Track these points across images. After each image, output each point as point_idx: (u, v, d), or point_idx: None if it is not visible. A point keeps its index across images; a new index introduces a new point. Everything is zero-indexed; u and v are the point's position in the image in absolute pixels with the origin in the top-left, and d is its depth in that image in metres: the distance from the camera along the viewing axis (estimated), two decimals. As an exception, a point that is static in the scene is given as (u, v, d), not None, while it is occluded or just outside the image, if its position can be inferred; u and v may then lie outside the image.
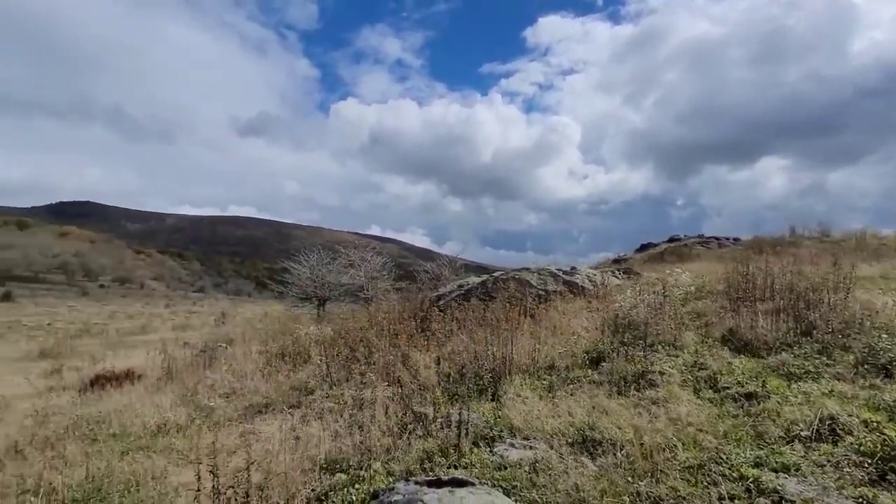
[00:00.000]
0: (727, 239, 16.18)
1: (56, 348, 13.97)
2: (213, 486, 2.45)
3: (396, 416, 3.73)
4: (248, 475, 2.57)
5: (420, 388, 4.27)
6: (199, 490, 2.47)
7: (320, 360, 6.09)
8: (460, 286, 7.35)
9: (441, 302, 7.53)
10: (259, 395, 5.09)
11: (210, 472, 2.47)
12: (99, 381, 6.99)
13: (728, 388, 3.76)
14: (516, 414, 3.53)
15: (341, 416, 3.99)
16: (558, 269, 7.71)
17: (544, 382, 4.17)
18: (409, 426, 3.63)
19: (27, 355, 13.58)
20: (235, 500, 2.53)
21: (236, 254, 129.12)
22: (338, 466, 3.25)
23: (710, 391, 3.78)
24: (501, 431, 3.39)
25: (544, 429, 3.29)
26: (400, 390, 4.07)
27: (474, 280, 7.77)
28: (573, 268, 8.02)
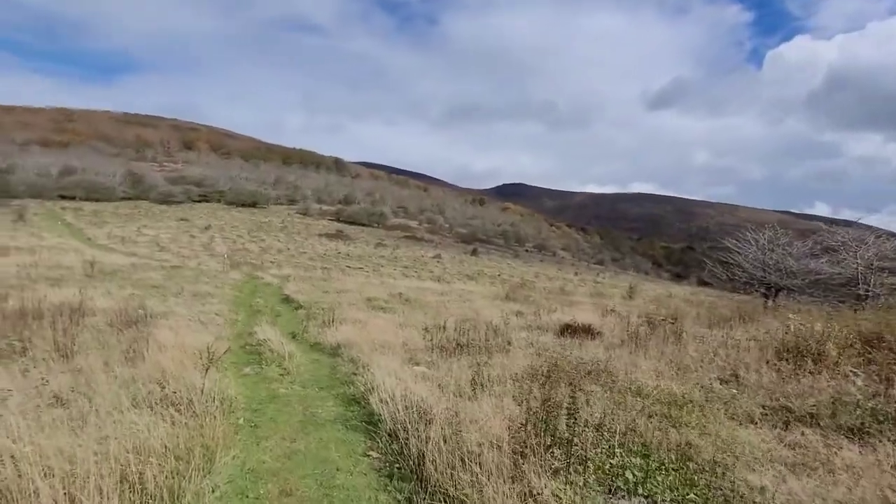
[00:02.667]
0: None
1: (512, 293, 17.71)
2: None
3: None
4: None
5: None
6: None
7: (853, 372, 4.31)
8: None
9: None
10: (777, 397, 3.97)
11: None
12: (568, 330, 7.81)
13: None
14: None
15: None
16: None
17: None
18: None
19: (496, 295, 17.86)
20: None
21: (633, 230, 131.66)
22: None
23: None
24: None
25: None
26: None
27: None
28: None
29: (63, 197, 52.98)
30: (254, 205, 67.17)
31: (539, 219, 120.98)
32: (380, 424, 3.61)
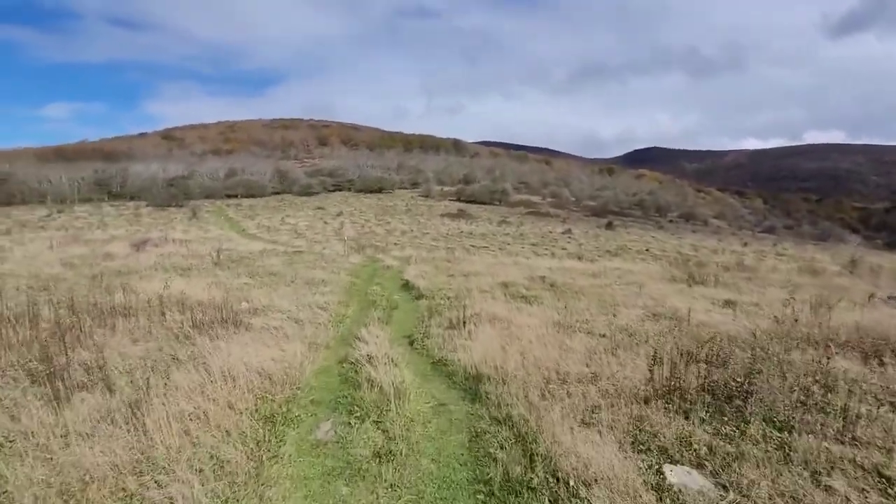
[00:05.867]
0: None
1: (697, 273, 13.14)
2: None
3: None
4: None
5: None
6: None
7: None
8: None
9: None
10: None
11: None
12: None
13: None
14: None
15: None
16: None
17: None
18: None
19: (670, 276, 13.43)
20: None
21: (807, 190, 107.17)
22: None
23: None
24: None
25: None
26: None
27: None
28: None
29: (228, 196, 60.36)
30: (380, 190, 69.32)
31: (682, 185, 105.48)
32: None
